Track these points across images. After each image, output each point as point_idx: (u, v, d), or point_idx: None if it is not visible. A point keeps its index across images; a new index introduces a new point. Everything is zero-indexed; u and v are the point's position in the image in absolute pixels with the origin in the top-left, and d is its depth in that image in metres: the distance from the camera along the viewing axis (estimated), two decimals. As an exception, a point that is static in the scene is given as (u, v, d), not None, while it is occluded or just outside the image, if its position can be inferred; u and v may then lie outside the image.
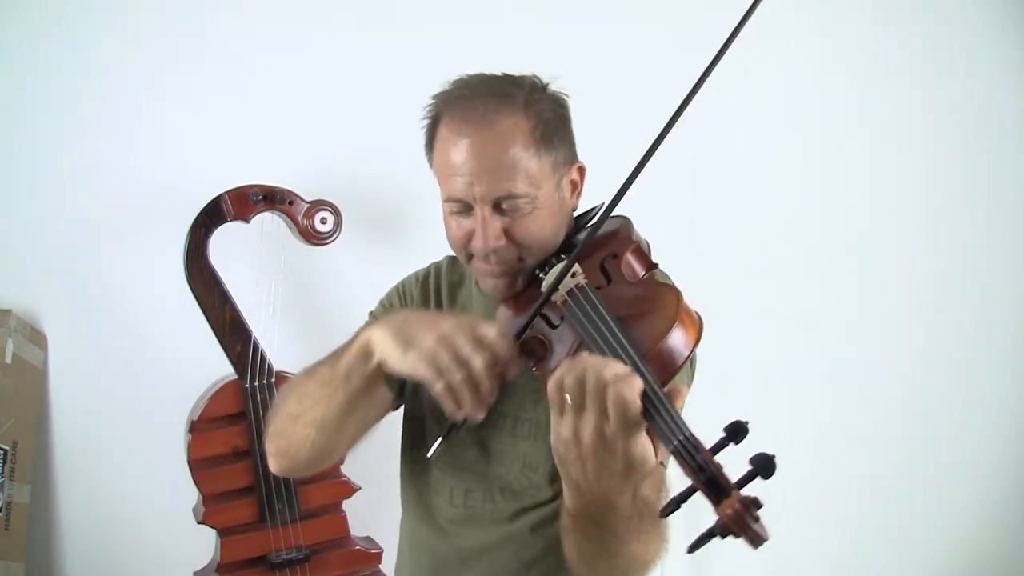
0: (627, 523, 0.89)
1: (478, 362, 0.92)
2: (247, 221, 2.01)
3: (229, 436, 2.01)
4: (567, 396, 0.81)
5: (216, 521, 2.00)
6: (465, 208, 1.10)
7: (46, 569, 2.22)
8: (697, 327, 0.89)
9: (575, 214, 1.18)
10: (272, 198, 2.01)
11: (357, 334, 1.12)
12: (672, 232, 2.27)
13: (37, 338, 2.15)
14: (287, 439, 1.16)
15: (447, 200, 1.12)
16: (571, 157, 1.17)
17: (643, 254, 1.04)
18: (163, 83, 2.14)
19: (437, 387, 0.93)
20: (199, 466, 1.98)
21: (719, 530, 0.74)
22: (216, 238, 1.98)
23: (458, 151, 1.08)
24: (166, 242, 2.02)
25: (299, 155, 2.17)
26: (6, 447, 2.02)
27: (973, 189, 2.37)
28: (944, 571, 2.45)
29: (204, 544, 2.08)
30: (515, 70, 1.19)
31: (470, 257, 1.13)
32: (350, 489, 2.06)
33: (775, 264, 2.34)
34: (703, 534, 0.76)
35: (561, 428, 0.83)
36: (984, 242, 2.38)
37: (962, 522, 2.43)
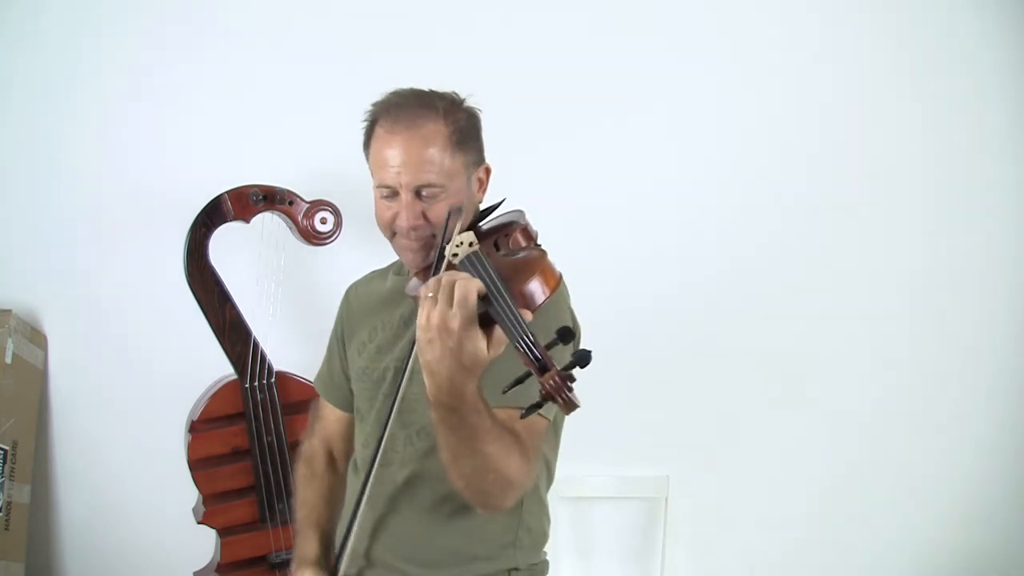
0: (477, 415, 1.10)
1: None
2: (247, 221, 2.01)
3: (229, 436, 2.01)
4: (429, 293, 1.06)
5: (216, 521, 2.00)
6: (393, 193, 1.34)
7: (46, 569, 2.22)
8: (556, 279, 1.15)
9: (481, 206, 1.38)
10: (272, 198, 2.01)
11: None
12: (671, 231, 2.29)
13: (37, 338, 2.15)
14: None
15: (379, 186, 1.36)
16: (480, 159, 1.40)
17: (529, 235, 1.26)
18: (163, 83, 2.14)
19: None
20: (199, 466, 1.98)
21: (542, 397, 1.00)
22: (216, 238, 1.98)
23: (390, 147, 1.33)
24: (166, 242, 2.02)
25: (299, 155, 2.17)
26: (6, 447, 2.02)
27: (971, 189, 2.37)
28: (944, 568, 2.45)
29: (204, 544, 2.08)
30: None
31: (394, 235, 1.37)
32: (350, 489, 2.06)
33: (775, 264, 2.34)
34: (533, 404, 1.01)
35: (420, 318, 1.06)
36: (982, 243, 2.38)
37: (962, 521, 2.43)
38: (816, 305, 2.36)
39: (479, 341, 1.04)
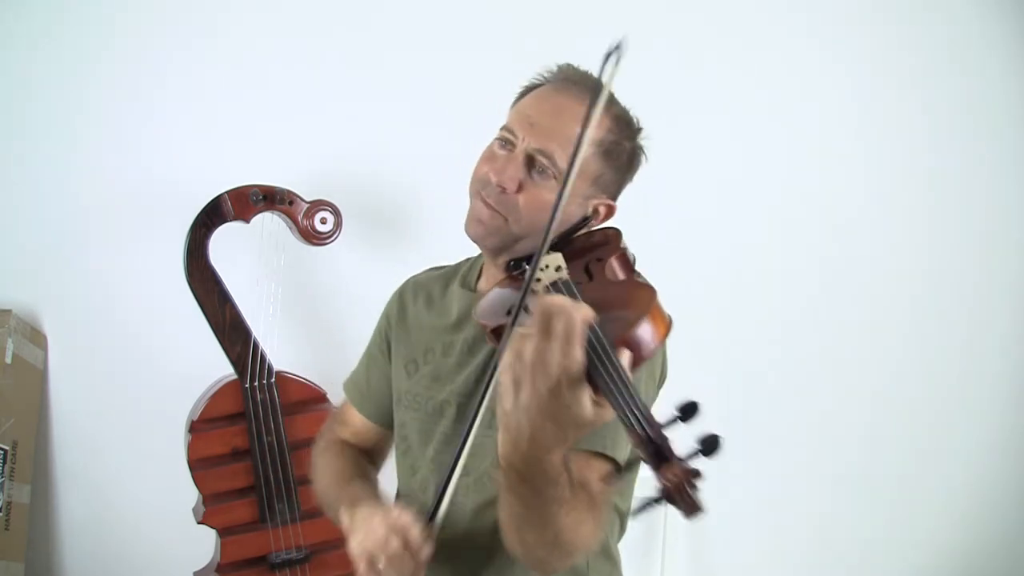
0: (555, 488, 0.90)
1: (391, 548, 1.04)
2: (247, 221, 2.01)
3: (229, 436, 2.01)
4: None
5: (216, 521, 2.00)
6: (509, 144, 1.18)
7: (46, 569, 2.22)
8: (667, 325, 0.91)
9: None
10: (272, 198, 2.00)
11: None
12: (669, 232, 2.29)
13: (37, 338, 2.15)
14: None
15: (501, 130, 1.20)
16: (612, 190, 1.24)
17: (627, 262, 1.09)
18: (163, 83, 2.14)
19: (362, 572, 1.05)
20: (199, 466, 1.98)
21: (661, 494, 0.79)
22: (216, 238, 1.98)
23: (543, 102, 1.19)
24: (166, 242, 2.02)
25: (299, 155, 2.17)
26: (6, 447, 2.02)
27: (971, 189, 2.37)
28: (944, 569, 2.45)
29: (204, 544, 2.08)
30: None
31: (477, 194, 1.19)
32: (350, 489, 2.06)
33: (771, 264, 2.34)
34: (645, 501, 0.80)
35: (507, 353, 0.84)
36: (980, 243, 2.38)
37: (963, 521, 2.43)
38: (817, 305, 2.37)
39: (583, 394, 0.81)
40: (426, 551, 1.04)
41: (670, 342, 1.21)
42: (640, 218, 2.25)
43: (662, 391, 1.24)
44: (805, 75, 2.31)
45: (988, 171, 2.37)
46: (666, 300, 1.18)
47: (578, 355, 0.80)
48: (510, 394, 0.83)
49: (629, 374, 0.82)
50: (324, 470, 1.35)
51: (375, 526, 1.07)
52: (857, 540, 2.43)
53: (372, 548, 1.05)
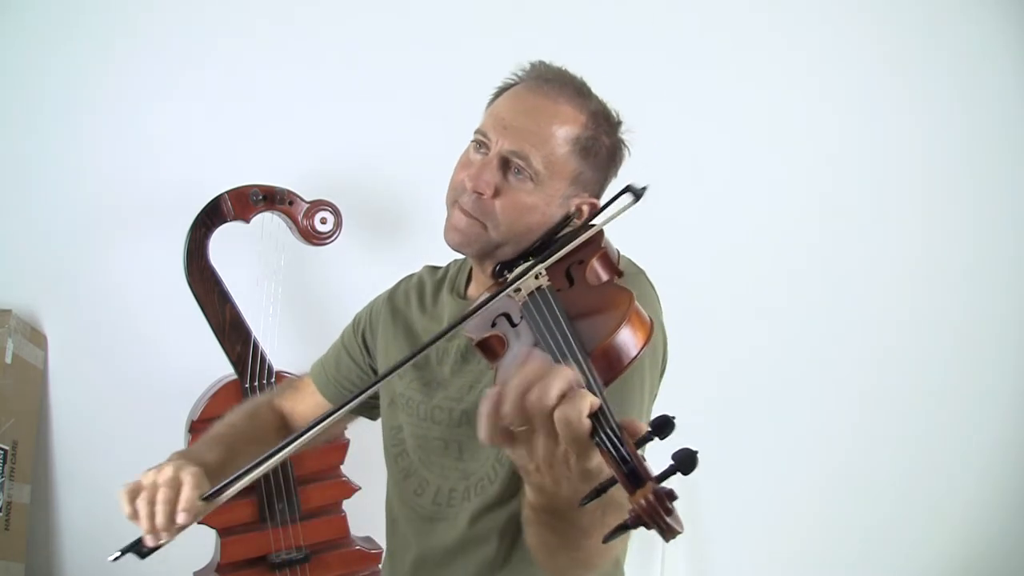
0: (591, 516, 0.88)
1: (160, 495, 1.05)
2: (247, 221, 2.01)
3: (229, 436, 2.01)
4: (510, 427, 0.80)
5: (216, 521, 2.00)
6: (483, 146, 1.16)
7: (46, 569, 2.22)
8: (647, 329, 0.88)
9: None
10: (272, 198, 2.01)
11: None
12: (670, 232, 2.29)
13: (37, 338, 2.15)
14: None
15: (476, 133, 1.18)
16: (595, 188, 1.20)
17: (609, 261, 1.07)
18: (163, 84, 2.14)
19: (122, 501, 1.05)
20: (199, 466, 1.98)
21: (631, 521, 0.73)
22: (216, 238, 1.98)
23: (517, 102, 1.16)
24: (166, 242, 2.02)
25: (299, 155, 2.17)
26: (6, 447, 2.02)
27: (967, 188, 2.37)
28: (944, 568, 2.45)
29: (204, 544, 2.08)
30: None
31: (454, 202, 1.18)
32: (350, 489, 2.06)
33: (771, 264, 2.34)
34: (617, 526, 0.75)
35: (512, 452, 0.83)
36: (978, 243, 2.38)
37: (961, 522, 2.43)
38: (816, 307, 2.37)
39: (592, 451, 0.79)
40: (183, 518, 1.07)
41: (669, 341, 1.22)
42: (637, 217, 2.27)
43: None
44: (802, 74, 2.31)
45: (985, 170, 2.37)
46: (664, 300, 1.19)
47: (588, 443, 0.76)
48: (533, 476, 0.83)
49: (604, 389, 0.80)
50: (229, 416, 1.36)
51: (165, 470, 1.09)
52: (856, 540, 2.43)
53: (143, 482, 1.07)
